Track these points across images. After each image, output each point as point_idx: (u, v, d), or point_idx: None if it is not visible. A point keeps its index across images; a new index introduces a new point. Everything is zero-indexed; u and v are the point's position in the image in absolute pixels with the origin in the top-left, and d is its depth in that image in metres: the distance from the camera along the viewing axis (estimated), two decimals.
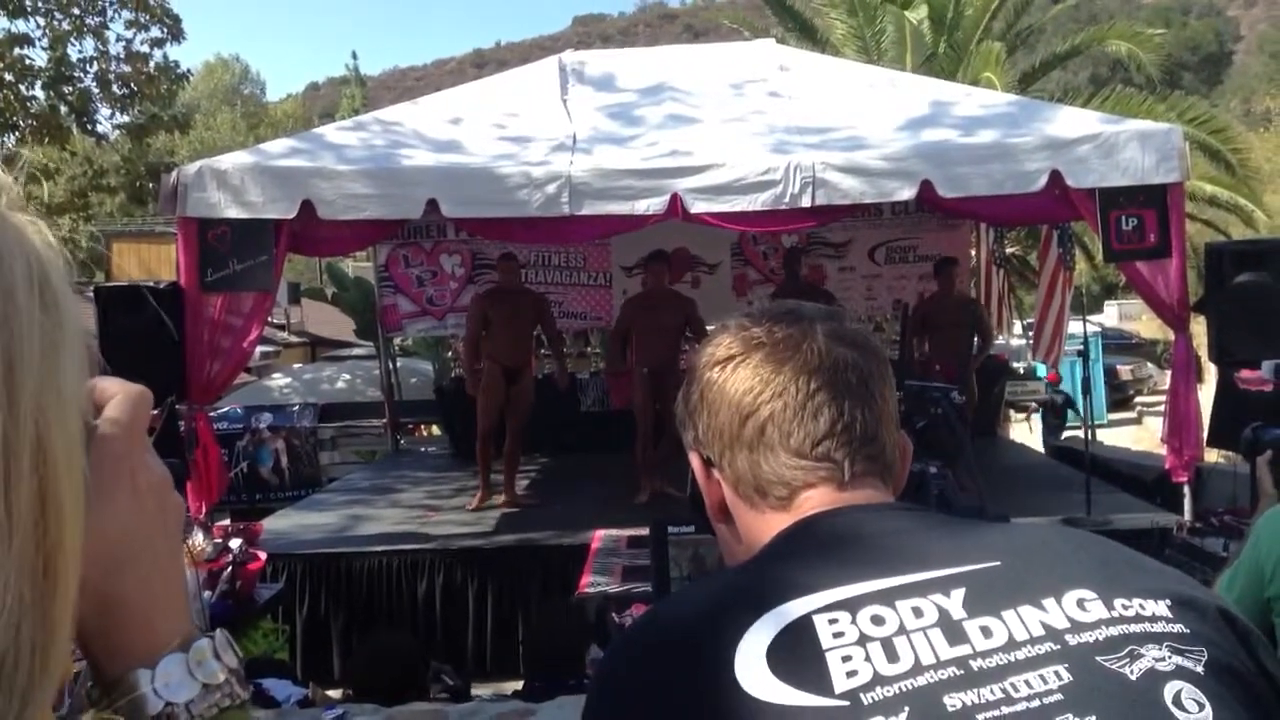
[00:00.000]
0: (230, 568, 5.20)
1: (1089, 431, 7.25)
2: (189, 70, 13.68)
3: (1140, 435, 15.07)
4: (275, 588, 5.78)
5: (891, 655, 0.75)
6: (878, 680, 0.74)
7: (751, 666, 0.75)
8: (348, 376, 14.09)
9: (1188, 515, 6.01)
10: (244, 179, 6.00)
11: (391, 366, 10.88)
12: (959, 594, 0.80)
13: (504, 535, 6.58)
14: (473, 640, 6.09)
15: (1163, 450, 6.46)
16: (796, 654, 0.76)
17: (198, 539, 5.20)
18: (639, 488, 7.05)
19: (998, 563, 0.82)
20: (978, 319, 8.34)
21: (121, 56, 12.45)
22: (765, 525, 0.94)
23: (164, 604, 0.65)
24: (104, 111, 12.91)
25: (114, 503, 0.63)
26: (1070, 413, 15.32)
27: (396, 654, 4.05)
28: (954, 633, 0.77)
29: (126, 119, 13.05)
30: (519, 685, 4.51)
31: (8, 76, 11.69)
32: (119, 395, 0.65)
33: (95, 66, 12.45)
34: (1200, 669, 0.74)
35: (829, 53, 13.83)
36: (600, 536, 6.06)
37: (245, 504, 8.82)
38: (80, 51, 12.39)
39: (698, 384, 1.00)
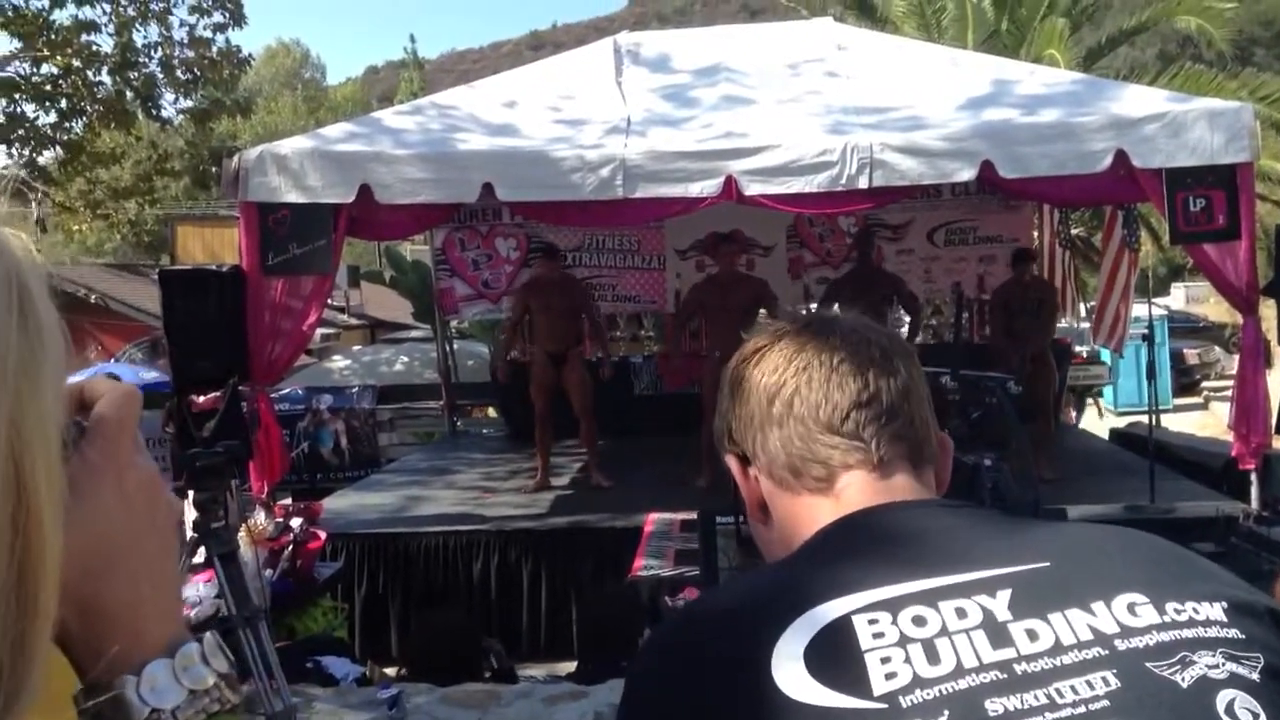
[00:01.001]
0: (291, 547, 5.29)
1: (1153, 417, 7.10)
2: (251, 55, 13.87)
3: (1206, 421, 14.73)
4: (335, 566, 5.88)
5: (933, 657, 0.74)
6: (917, 682, 0.72)
7: (788, 666, 0.74)
8: (406, 359, 14.25)
9: (1255, 503, 5.88)
10: (303, 164, 6.08)
11: (449, 349, 10.98)
12: (1005, 595, 0.78)
13: (558, 517, 6.62)
14: (527, 621, 6.14)
15: (1229, 436, 6.32)
16: (835, 655, 0.75)
17: (259, 518, 5.30)
18: (700, 471, 7.03)
19: (1046, 564, 0.80)
20: (1045, 303, 8.17)
21: (185, 42, 12.67)
22: (804, 511, 0.93)
23: (152, 607, 0.64)
24: (168, 96, 13.19)
25: (99, 503, 0.62)
26: (1107, 394, 15.12)
27: (452, 634, 4.11)
28: (998, 635, 0.75)
29: (190, 104, 13.29)
30: (572, 667, 4.55)
31: (76, 63, 11.94)
32: (108, 394, 0.64)
33: (160, 52, 12.70)
34: (1255, 676, 0.72)
35: (888, 31, 13.63)
36: (653, 520, 6.08)
37: (306, 484, 8.96)
38: (145, 37, 12.65)
39: (728, 384, 1.00)
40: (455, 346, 11.82)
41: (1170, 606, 0.76)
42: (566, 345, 7.44)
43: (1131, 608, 0.76)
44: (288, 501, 6.44)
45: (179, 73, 12.76)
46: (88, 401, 0.64)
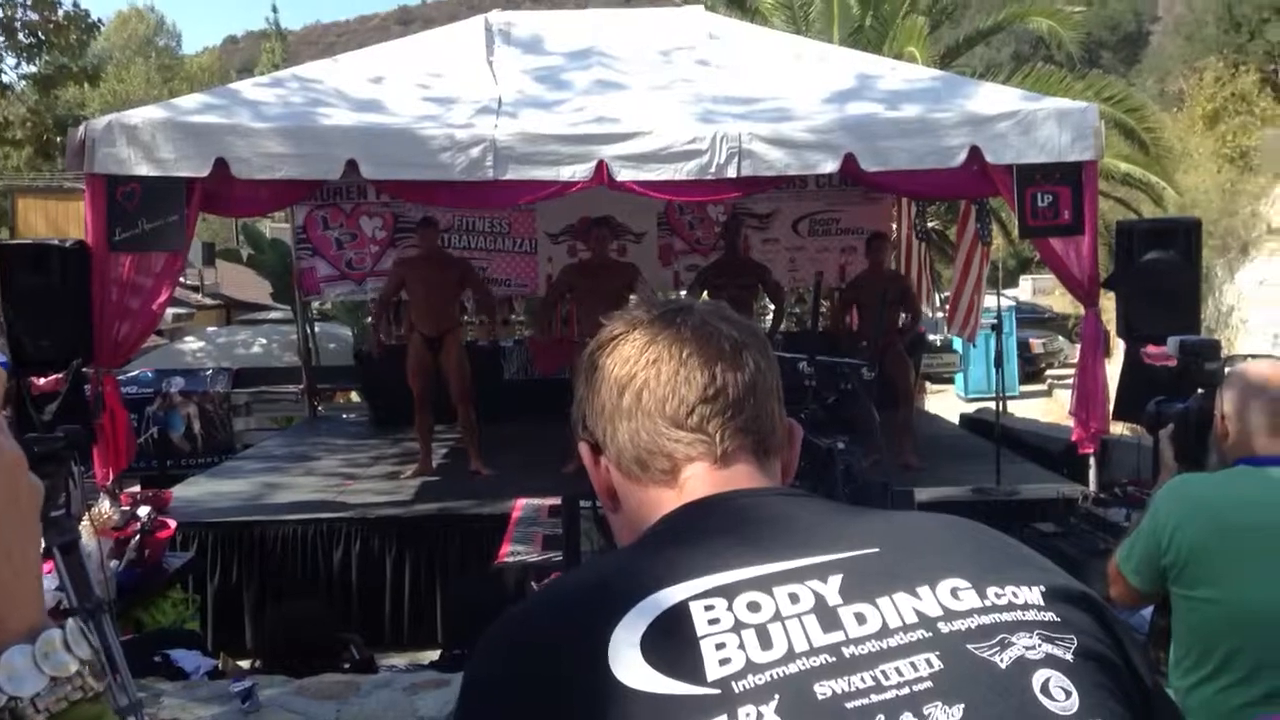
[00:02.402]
0: (138, 536, 5.07)
1: (1000, 403, 7.40)
2: (100, 20, 13.20)
3: (1050, 407, 15.48)
4: (185, 557, 5.68)
5: (765, 642, 0.75)
6: (750, 668, 0.73)
7: (625, 654, 0.75)
8: (264, 341, 13.80)
9: (1093, 486, 6.19)
10: (155, 135, 5.81)
11: (309, 331, 10.69)
12: (836, 580, 0.80)
13: (423, 504, 6.52)
14: (390, 610, 6.04)
15: (1071, 422, 6.64)
16: (671, 641, 0.75)
17: (104, 506, 5.07)
18: (569, 456, 7.00)
19: (876, 549, 0.82)
20: (906, 294, 8.42)
21: (28, 3, 11.94)
22: (650, 501, 0.94)
23: (12, 592, 0.62)
24: (9, 61, 12.42)
25: None
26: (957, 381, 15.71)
27: (307, 624, 4.01)
28: (829, 620, 0.77)
29: (33, 69, 12.54)
30: (436, 655, 4.49)
31: None
32: None
33: (0, 13, 11.91)
34: (1069, 657, 0.75)
35: (757, 22, 13.81)
36: (521, 505, 6.06)
37: (155, 471, 8.61)
38: None
39: (584, 370, 1.01)
40: (316, 328, 11.53)
41: (991, 591, 0.79)
42: (444, 327, 7.28)
43: (955, 592, 0.79)
44: (135, 489, 6.17)
45: (21, 36, 12.02)
46: None
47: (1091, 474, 6.29)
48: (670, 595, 0.78)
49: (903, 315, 7.71)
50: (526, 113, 6.40)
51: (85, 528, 4.22)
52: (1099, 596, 0.83)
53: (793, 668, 0.74)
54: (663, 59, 7.37)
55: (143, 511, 5.26)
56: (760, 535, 0.85)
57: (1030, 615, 0.78)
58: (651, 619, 0.77)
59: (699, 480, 0.92)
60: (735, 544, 0.83)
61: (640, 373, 0.95)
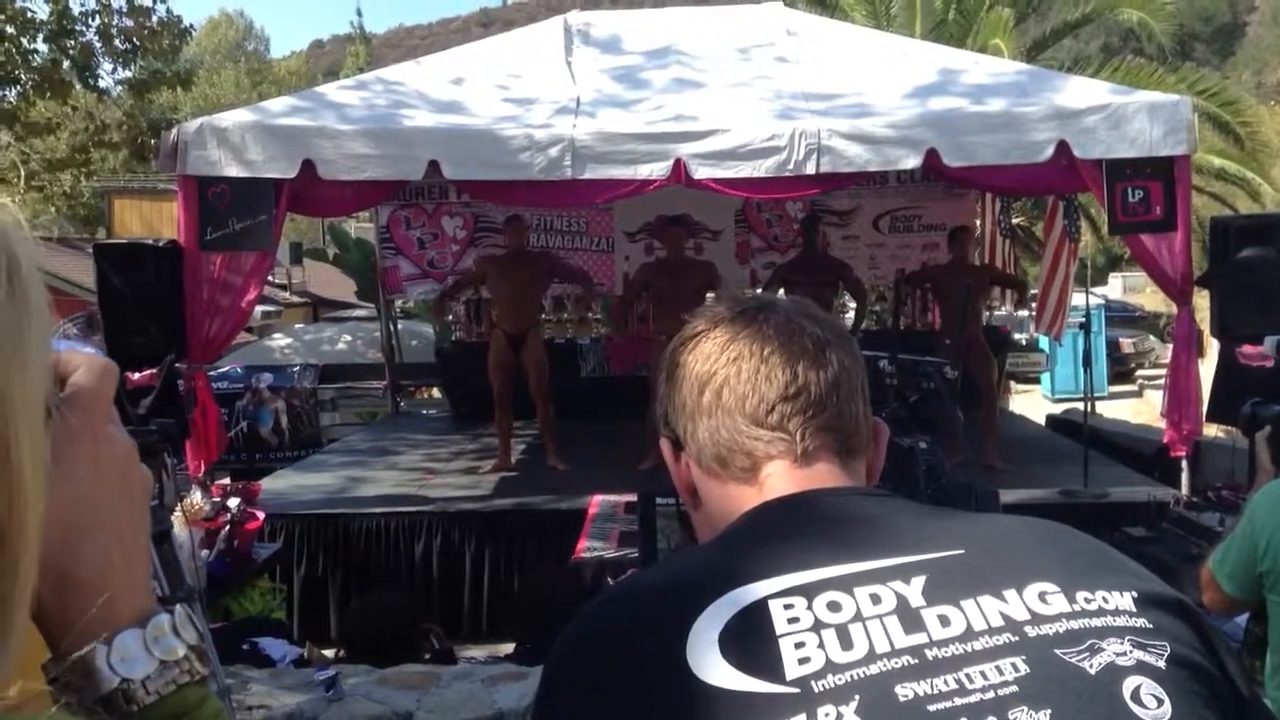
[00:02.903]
0: (228, 527, 5.22)
1: (1089, 404, 7.23)
2: (192, 26, 13.56)
3: (1140, 408, 15.06)
4: (273, 547, 5.81)
5: (846, 643, 0.74)
6: (830, 668, 0.73)
7: (703, 650, 0.74)
8: (349, 338, 14.08)
9: (1185, 489, 6.01)
10: (244, 137, 5.97)
11: (392, 328, 10.87)
12: (919, 582, 0.78)
13: (502, 499, 6.59)
14: (468, 603, 6.12)
15: (1162, 424, 6.46)
16: (749, 639, 0.75)
17: (196, 498, 5.23)
18: (647, 454, 7.02)
19: (961, 551, 0.81)
20: (995, 278, 8.24)
21: (124, 10, 12.34)
22: (730, 498, 0.94)
23: (124, 578, 0.64)
24: (106, 66, 12.83)
25: (73, 474, 0.62)
26: (1044, 381, 15.36)
27: (391, 615, 4.07)
28: (911, 621, 0.76)
29: (129, 74, 12.96)
30: (513, 648, 4.53)
31: (9, 29, 11.58)
32: (85, 365, 0.64)
33: (98, 20, 12.34)
34: (1161, 664, 0.73)
35: (838, 18, 13.67)
36: (598, 502, 6.08)
37: (244, 464, 8.84)
38: (82, 4, 12.29)
39: (666, 367, 1.01)
40: (399, 326, 11.72)
41: (1081, 595, 0.77)
42: (526, 325, 7.36)
43: (1043, 596, 0.77)
44: (225, 481, 6.35)
45: (117, 42, 12.41)
46: (63, 374, 0.64)
47: (1184, 477, 6.10)
48: (749, 593, 0.78)
49: (1007, 293, 7.51)
50: (605, 112, 6.43)
51: (178, 518, 4.36)
52: (1193, 603, 0.80)
53: (874, 669, 0.73)
54: (741, 56, 7.34)
55: (233, 503, 5.41)
56: (841, 535, 0.84)
57: (1121, 621, 0.75)
58: (730, 616, 0.76)
59: (780, 478, 0.92)
60: (816, 543, 0.83)
61: (721, 370, 0.95)
